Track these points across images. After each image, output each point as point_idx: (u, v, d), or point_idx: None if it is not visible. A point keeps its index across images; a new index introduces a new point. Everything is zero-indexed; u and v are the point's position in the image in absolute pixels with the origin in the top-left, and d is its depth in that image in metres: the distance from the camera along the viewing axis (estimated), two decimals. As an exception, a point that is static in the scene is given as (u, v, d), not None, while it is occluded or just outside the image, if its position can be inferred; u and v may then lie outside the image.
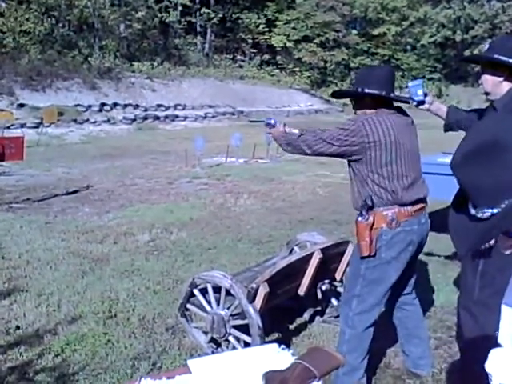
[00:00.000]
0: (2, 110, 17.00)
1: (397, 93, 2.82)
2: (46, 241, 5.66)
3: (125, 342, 3.43)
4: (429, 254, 4.87)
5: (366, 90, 2.64)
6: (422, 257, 3.98)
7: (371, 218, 2.55)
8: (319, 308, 3.82)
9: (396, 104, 2.76)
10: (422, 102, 2.85)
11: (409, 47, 40.46)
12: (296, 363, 1.34)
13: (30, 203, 7.63)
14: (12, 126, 16.10)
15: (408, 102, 2.79)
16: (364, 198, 2.59)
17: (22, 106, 18.77)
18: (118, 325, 3.68)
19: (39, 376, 3.01)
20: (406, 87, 2.88)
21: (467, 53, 36.94)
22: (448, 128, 2.95)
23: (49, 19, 24.26)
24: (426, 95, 2.83)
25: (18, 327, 3.61)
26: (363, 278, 2.66)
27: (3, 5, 22.95)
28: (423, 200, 2.70)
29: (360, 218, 2.56)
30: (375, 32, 38.16)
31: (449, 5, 38.86)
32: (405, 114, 2.75)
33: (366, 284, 2.65)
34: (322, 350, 1.47)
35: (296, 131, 2.82)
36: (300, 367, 1.32)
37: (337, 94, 3.04)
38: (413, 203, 2.60)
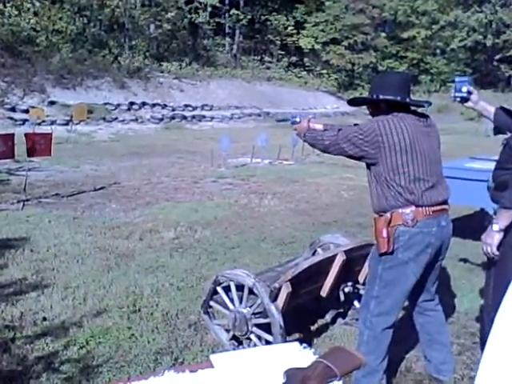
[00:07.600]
0: (34, 107, 17.37)
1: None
2: (73, 235, 5.78)
3: (148, 336, 3.49)
4: (453, 259, 4.81)
5: (381, 96, 2.63)
6: (446, 262, 3.94)
7: (388, 215, 2.57)
8: (341, 310, 3.82)
9: (414, 108, 2.73)
10: (465, 100, 2.80)
11: (438, 51, 39.94)
12: (317, 362, 1.34)
13: (59, 198, 7.79)
14: (43, 122, 16.43)
15: (423, 106, 2.76)
16: (382, 200, 2.60)
17: (52, 103, 19.12)
18: (141, 319, 3.74)
19: (64, 366, 3.07)
20: (453, 81, 2.83)
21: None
22: (497, 131, 2.86)
23: (81, 19, 24.69)
24: (470, 93, 2.79)
25: (44, 318, 3.69)
26: (380, 279, 2.66)
27: (37, 4, 23.43)
28: (444, 202, 2.67)
29: (378, 216, 2.62)
30: (404, 35, 37.84)
31: (480, 9, 38.30)
32: (424, 117, 2.70)
33: (384, 285, 2.65)
34: (344, 349, 1.47)
35: (320, 126, 2.83)
36: (321, 366, 1.32)
37: (353, 102, 3.03)
38: (432, 204, 2.58)
